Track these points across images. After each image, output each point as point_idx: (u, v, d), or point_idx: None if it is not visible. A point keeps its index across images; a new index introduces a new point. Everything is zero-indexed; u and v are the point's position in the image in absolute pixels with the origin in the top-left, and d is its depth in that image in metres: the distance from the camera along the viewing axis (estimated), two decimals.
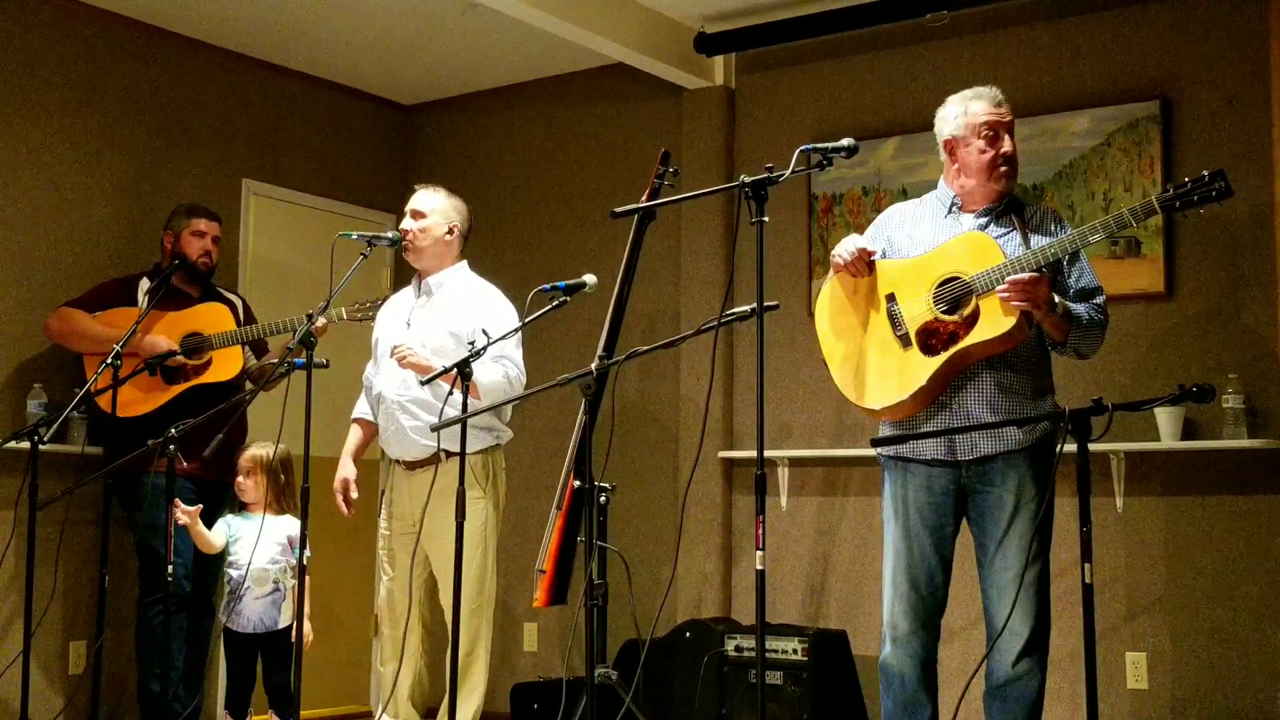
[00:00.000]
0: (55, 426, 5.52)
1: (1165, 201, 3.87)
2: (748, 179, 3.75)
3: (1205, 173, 3.82)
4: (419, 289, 5.44)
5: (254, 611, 5.57)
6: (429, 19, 6.69)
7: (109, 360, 5.37)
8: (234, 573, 5.58)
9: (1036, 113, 5.96)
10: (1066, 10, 5.99)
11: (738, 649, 5.96)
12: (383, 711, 5.33)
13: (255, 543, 5.47)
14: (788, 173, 3.79)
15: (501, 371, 5.14)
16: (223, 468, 5.84)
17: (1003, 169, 4.22)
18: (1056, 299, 3.99)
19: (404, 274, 7.52)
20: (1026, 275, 3.92)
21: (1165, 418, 5.47)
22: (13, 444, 5.56)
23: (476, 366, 4.71)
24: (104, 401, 5.60)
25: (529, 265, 7.16)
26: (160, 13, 6.62)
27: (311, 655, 5.51)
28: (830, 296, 4.37)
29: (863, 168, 6.26)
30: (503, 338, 4.80)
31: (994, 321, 3.98)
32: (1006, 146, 4.23)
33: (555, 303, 4.44)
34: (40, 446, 5.48)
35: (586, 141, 7.36)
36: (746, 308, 3.93)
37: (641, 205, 4.52)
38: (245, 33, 6.90)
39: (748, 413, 6.60)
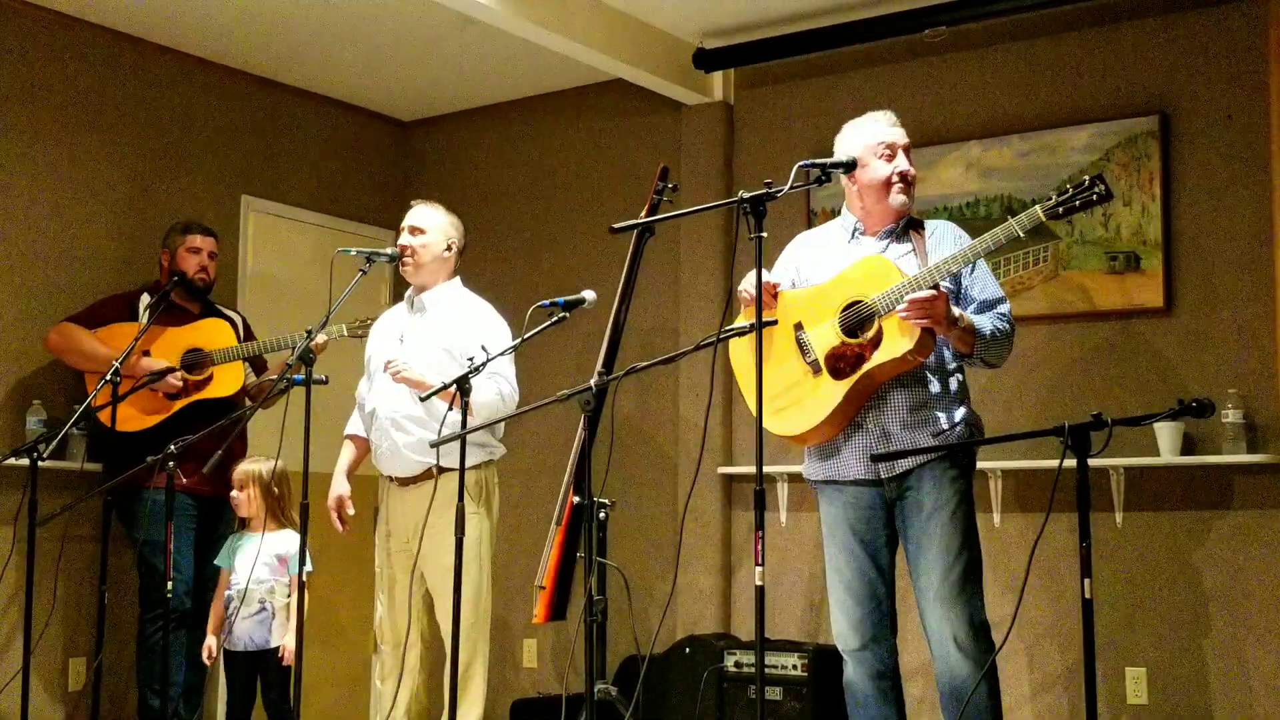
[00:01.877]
0: (55, 443, 5.52)
1: (1049, 210, 3.91)
2: (746, 194, 3.76)
3: (1086, 177, 3.89)
4: (412, 305, 5.45)
5: (243, 630, 5.55)
6: (427, 35, 6.70)
7: (107, 377, 5.36)
8: (228, 591, 5.58)
9: (1035, 128, 5.97)
10: (1066, 26, 6.00)
11: (737, 665, 5.95)
12: None
13: (254, 561, 5.47)
14: (786, 188, 3.80)
15: (495, 389, 5.13)
16: (223, 483, 5.84)
17: (898, 185, 4.28)
18: (957, 313, 4.05)
19: (403, 290, 7.52)
20: (924, 293, 3.96)
21: (1165, 433, 5.47)
22: (12, 460, 5.56)
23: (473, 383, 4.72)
24: (105, 417, 5.60)
25: (528, 281, 7.17)
26: (159, 30, 6.63)
27: (310, 672, 5.51)
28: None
29: None
30: (502, 354, 4.80)
31: (897, 341, 4.04)
32: (903, 165, 4.30)
33: (554, 319, 4.44)
34: (40, 463, 5.47)
35: (585, 157, 7.37)
36: (745, 323, 3.93)
37: (640, 221, 4.52)
38: (244, 50, 6.91)
39: (746, 428, 6.59)
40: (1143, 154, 5.72)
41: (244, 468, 5.65)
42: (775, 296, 4.32)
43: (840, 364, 4.15)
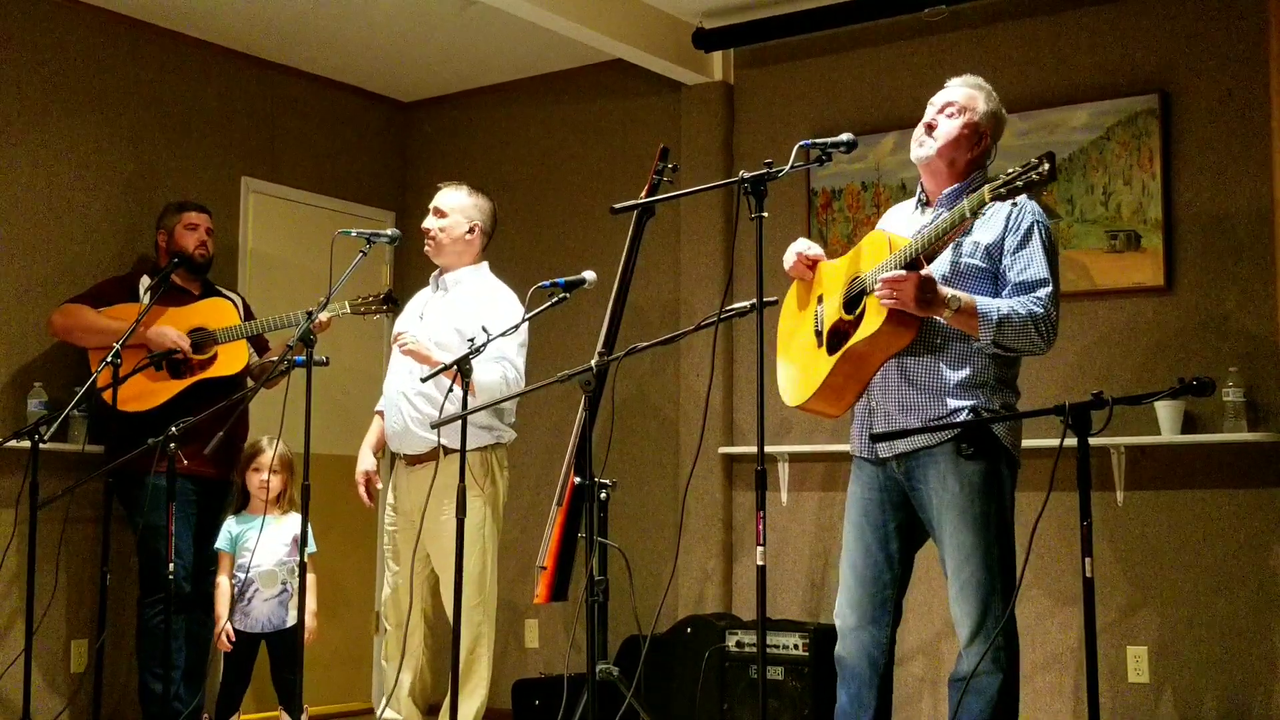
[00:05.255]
0: (55, 425, 5.52)
1: (994, 191, 3.75)
2: (747, 174, 3.75)
3: (1034, 157, 3.77)
4: (436, 284, 5.47)
5: (262, 612, 5.59)
6: (427, 15, 6.69)
7: (108, 359, 5.36)
8: (241, 574, 5.58)
9: (1035, 107, 5.96)
10: (1065, 4, 5.99)
11: (739, 645, 5.96)
12: (385, 706, 5.34)
13: (274, 542, 5.49)
14: (787, 168, 3.79)
15: (500, 373, 5.14)
16: (224, 465, 5.85)
17: (916, 140, 4.20)
18: (950, 294, 3.87)
19: (403, 272, 7.54)
20: (894, 273, 3.84)
21: (1165, 411, 5.47)
22: (13, 443, 5.56)
23: (476, 364, 4.72)
24: (109, 397, 5.59)
25: (528, 262, 7.16)
26: (159, 11, 6.61)
27: (313, 652, 5.52)
28: (788, 300, 4.41)
29: (862, 163, 6.26)
30: (501, 335, 4.80)
31: (871, 320, 3.96)
32: (928, 116, 4.20)
33: (555, 299, 4.45)
34: (41, 445, 5.47)
35: (585, 138, 7.36)
36: (746, 303, 3.93)
37: (641, 201, 4.52)
38: (244, 30, 6.90)
39: (748, 408, 6.60)
40: (1143, 132, 5.71)
41: (282, 452, 5.65)
42: (813, 268, 4.29)
43: (836, 339, 4.11)
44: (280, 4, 6.56)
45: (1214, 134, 5.63)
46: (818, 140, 3.89)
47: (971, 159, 4.19)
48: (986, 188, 3.78)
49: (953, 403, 4.03)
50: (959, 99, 4.21)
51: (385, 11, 6.64)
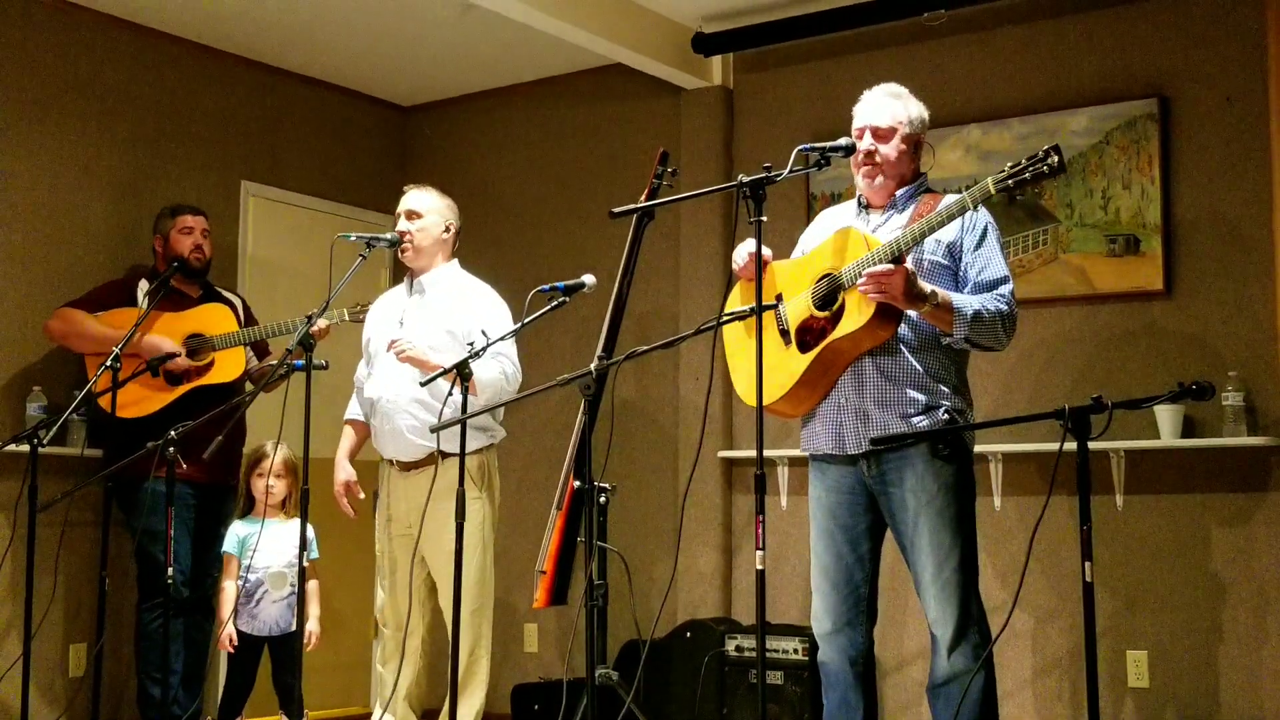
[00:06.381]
0: (55, 429, 5.51)
1: (999, 182, 3.77)
2: (746, 179, 3.75)
3: (1040, 149, 3.76)
4: (411, 287, 5.44)
5: (270, 614, 5.60)
6: (427, 20, 6.69)
7: (108, 363, 5.35)
8: (249, 576, 5.58)
9: (1035, 111, 5.97)
10: (1065, 9, 5.99)
11: (738, 649, 5.96)
12: (384, 712, 5.32)
13: (283, 545, 5.50)
14: (786, 172, 3.79)
15: (499, 368, 5.13)
16: (223, 470, 5.84)
17: (863, 167, 4.21)
18: (928, 289, 3.91)
19: (403, 275, 7.52)
20: (881, 267, 3.86)
21: (1165, 415, 5.47)
22: (12, 447, 5.56)
23: (475, 364, 4.72)
24: (106, 403, 5.59)
25: (528, 265, 7.16)
26: (158, 15, 6.62)
27: (312, 656, 5.52)
28: (734, 301, 4.38)
29: None
30: (502, 339, 4.81)
31: (854, 316, 3.96)
32: (866, 144, 4.21)
33: (554, 303, 4.44)
34: (40, 449, 5.46)
35: (585, 142, 7.36)
36: (746, 307, 3.93)
37: (640, 205, 4.52)
38: (243, 35, 6.90)
39: (747, 412, 6.59)
40: (1142, 137, 5.71)
41: (283, 457, 5.66)
42: (765, 267, 4.28)
43: (807, 336, 4.10)
44: (280, 8, 6.56)
45: (1213, 138, 5.63)
46: (816, 144, 3.90)
47: (915, 165, 4.28)
48: (990, 179, 3.79)
49: (927, 398, 4.07)
50: (885, 121, 4.24)
51: (385, 16, 6.65)
